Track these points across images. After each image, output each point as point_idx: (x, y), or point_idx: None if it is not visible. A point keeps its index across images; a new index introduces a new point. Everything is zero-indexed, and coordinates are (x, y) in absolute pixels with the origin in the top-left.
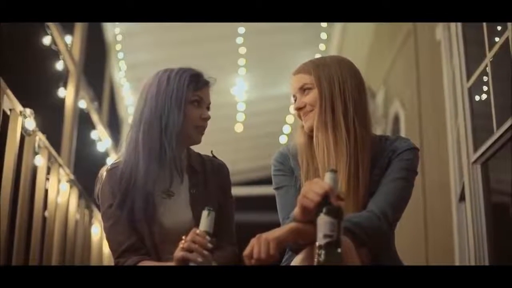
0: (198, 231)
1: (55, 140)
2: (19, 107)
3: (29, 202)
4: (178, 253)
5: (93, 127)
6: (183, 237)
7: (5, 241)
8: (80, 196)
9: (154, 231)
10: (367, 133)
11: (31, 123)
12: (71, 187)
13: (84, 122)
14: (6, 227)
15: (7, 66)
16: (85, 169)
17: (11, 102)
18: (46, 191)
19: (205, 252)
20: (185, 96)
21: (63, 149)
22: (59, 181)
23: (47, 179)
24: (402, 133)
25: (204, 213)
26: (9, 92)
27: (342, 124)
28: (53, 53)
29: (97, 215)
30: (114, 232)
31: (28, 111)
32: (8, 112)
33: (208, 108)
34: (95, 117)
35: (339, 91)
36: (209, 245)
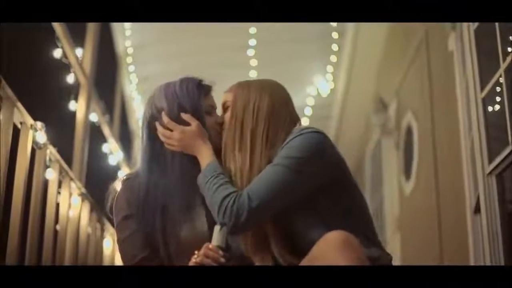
0: (210, 246)
1: (66, 154)
2: (30, 120)
3: (40, 216)
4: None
5: (104, 140)
6: (196, 252)
7: (16, 255)
8: (91, 210)
9: (169, 243)
10: (274, 152)
11: (42, 136)
12: (82, 200)
13: (95, 135)
14: (17, 241)
15: (18, 79)
16: (96, 182)
17: (22, 115)
18: (58, 204)
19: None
20: (201, 108)
21: (75, 163)
22: (70, 194)
23: (59, 192)
24: (416, 145)
25: (217, 227)
26: (19, 105)
27: (248, 145)
28: (64, 66)
29: (109, 229)
30: (128, 244)
31: (39, 124)
32: (19, 125)
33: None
34: (106, 130)
35: (252, 112)
36: (222, 260)
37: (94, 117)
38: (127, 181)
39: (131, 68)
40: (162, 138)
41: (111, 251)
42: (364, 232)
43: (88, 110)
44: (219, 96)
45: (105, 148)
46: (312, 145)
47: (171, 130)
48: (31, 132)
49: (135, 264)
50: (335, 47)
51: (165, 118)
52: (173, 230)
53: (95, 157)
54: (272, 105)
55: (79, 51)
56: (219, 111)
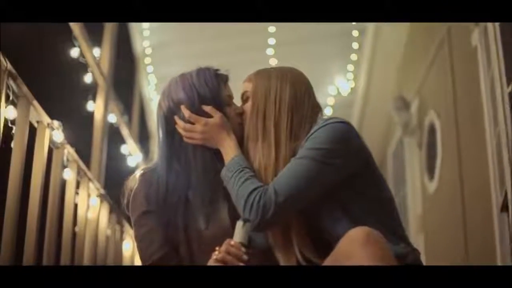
0: (232, 242)
1: (84, 155)
2: (46, 119)
3: (58, 217)
4: (211, 264)
5: (123, 141)
6: (217, 248)
7: (33, 258)
8: (111, 211)
9: (191, 239)
10: (299, 144)
11: (59, 136)
12: (101, 201)
13: (114, 136)
14: (35, 243)
15: (34, 78)
16: (115, 184)
17: (38, 114)
18: (76, 206)
19: (240, 264)
20: (221, 99)
21: (93, 163)
22: (89, 195)
23: (77, 193)
24: (439, 144)
25: (239, 223)
26: (36, 103)
27: (272, 137)
28: (81, 66)
29: (129, 230)
30: (146, 241)
31: (56, 123)
32: (35, 124)
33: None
34: (125, 131)
35: (274, 102)
36: (245, 257)
37: (112, 118)
38: (144, 175)
39: (150, 68)
40: (182, 132)
41: (131, 253)
42: (391, 227)
43: (106, 111)
44: (233, 86)
45: (123, 149)
46: (338, 136)
47: (192, 123)
48: (47, 131)
49: (153, 262)
50: (355, 45)
51: (186, 111)
52: (195, 226)
53: (114, 158)
54: (294, 95)
55: (96, 51)
56: (236, 101)
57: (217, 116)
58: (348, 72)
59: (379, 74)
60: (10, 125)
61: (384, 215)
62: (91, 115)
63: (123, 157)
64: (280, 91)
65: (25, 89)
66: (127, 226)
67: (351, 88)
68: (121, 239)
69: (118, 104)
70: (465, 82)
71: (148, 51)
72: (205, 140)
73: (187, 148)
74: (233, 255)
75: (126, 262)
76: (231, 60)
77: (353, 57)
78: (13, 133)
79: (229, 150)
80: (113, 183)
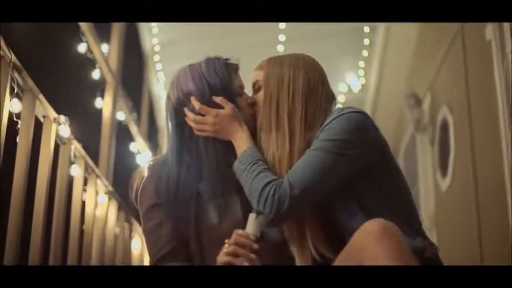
0: (240, 231)
1: (92, 152)
2: (53, 114)
3: (65, 214)
4: (222, 258)
5: (132, 139)
6: (226, 241)
7: (39, 257)
8: (119, 209)
9: (202, 233)
10: (314, 135)
11: (65, 131)
12: (109, 199)
13: (122, 134)
14: (41, 241)
15: (40, 72)
16: (124, 182)
17: (44, 108)
18: (83, 203)
19: (252, 256)
20: (232, 89)
21: (101, 161)
22: (97, 192)
23: (84, 190)
24: (452, 140)
25: (252, 215)
26: (42, 97)
27: (286, 127)
28: (89, 62)
29: (138, 229)
30: (154, 235)
31: (62, 117)
32: (42, 119)
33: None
34: (134, 129)
35: (287, 91)
36: (255, 247)
37: (121, 115)
38: (154, 167)
39: (159, 66)
40: (192, 124)
41: (140, 252)
42: (408, 221)
43: (114, 108)
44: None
45: (132, 147)
46: (353, 126)
47: (203, 115)
48: (54, 126)
49: (161, 257)
50: (366, 42)
51: (196, 103)
52: (206, 220)
53: (122, 156)
54: (308, 82)
55: (104, 47)
56: (247, 90)
57: (228, 107)
58: (359, 69)
59: (391, 70)
60: (15, 119)
61: (400, 208)
62: (99, 112)
63: (131, 155)
64: (294, 79)
65: (30, 82)
66: (136, 224)
67: (362, 85)
68: (130, 238)
69: (127, 102)
70: (478, 77)
71: (157, 48)
72: (217, 132)
73: (198, 140)
74: (242, 245)
75: (135, 261)
76: (241, 57)
77: (364, 53)
78: (18, 128)
79: (241, 142)
80: (121, 181)
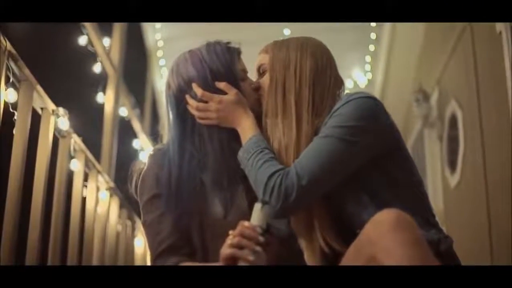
0: (246, 223)
1: (94, 148)
2: (51, 106)
3: (64, 210)
4: (226, 250)
5: (135, 136)
6: (231, 232)
7: (37, 255)
8: (121, 206)
9: (205, 226)
10: (322, 121)
11: (64, 123)
12: (111, 195)
13: (125, 130)
14: (38, 238)
15: (38, 64)
16: (126, 179)
17: (43, 100)
18: (84, 199)
19: (257, 248)
20: (236, 74)
21: (103, 157)
22: (98, 188)
23: (85, 186)
24: (461, 135)
25: (257, 206)
26: (39, 88)
27: (293, 111)
28: (89, 55)
29: (140, 227)
30: (154, 228)
31: (61, 110)
32: (40, 111)
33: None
34: (137, 126)
35: (294, 74)
36: (261, 239)
37: (123, 111)
38: (154, 157)
39: (162, 62)
40: (194, 112)
41: (143, 251)
42: (422, 212)
43: (116, 103)
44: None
45: (135, 144)
46: (364, 112)
47: (205, 102)
48: (52, 118)
49: (162, 251)
50: (373, 36)
51: (198, 89)
52: (210, 213)
53: (125, 153)
54: (315, 66)
55: (106, 41)
56: (251, 75)
57: (232, 92)
58: (366, 64)
59: (398, 65)
60: (11, 110)
61: (414, 200)
62: (101, 107)
63: (134, 152)
64: (300, 62)
65: (27, 72)
66: (138, 222)
67: (369, 80)
68: (133, 236)
69: (130, 98)
70: (488, 70)
71: (160, 43)
72: (220, 119)
73: (202, 129)
74: (248, 237)
75: (137, 260)
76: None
77: (371, 47)
78: (15, 119)
79: (246, 129)
80: (123, 178)
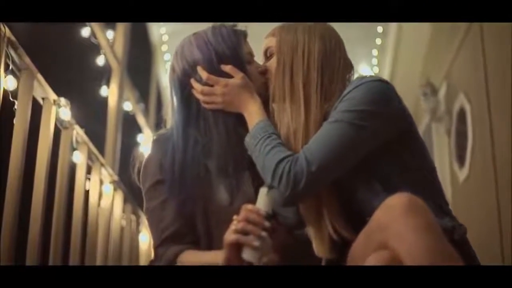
0: (250, 207)
1: (97, 142)
2: (52, 96)
3: (66, 203)
4: (230, 236)
5: (139, 130)
6: (235, 217)
7: (39, 249)
8: (125, 200)
9: (210, 213)
10: (331, 106)
11: (66, 113)
12: (115, 189)
13: (129, 124)
14: (39, 231)
15: (40, 53)
16: (131, 174)
17: (44, 90)
18: (87, 193)
19: (263, 233)
20: (242, 57)
21: (107, 151)
22: (101, 182)
23: (88, 179)
24: (469, 129)
25: (263, 190)
26: (40, 77)
27: (301, 95)
28: (93, 47)
29: (146, 222)
30: (157, 214)
31: (63, 100)
32: (41, 101)
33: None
34: (141, 120)
35: (302, 56)
36: (267, 224)
37: (128, 106)
38: (158, 142)
39: (167, 56)
40: (199, 96)
41: (148, 247)
42: (434, 199)
43: (120, 96)
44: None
45: (140, 138)
46: (375, 96)
47: (211, 85)
48: (54, 108)
49: (165, 238)
50: (380, 29)
51: (203, 73)
52: (215, 200)
53: (130, 147)
54: (324, 49)
55: (110, 34)
56: (257, 59)
57: (238, 76)
58: (373, 57)
59: (405, 59)
60: (11, 99)
61: (426, 186)
62: (104, 100)
63: (139, 147)
64: (308, 45)
65: (27, 60)
66: (143, 217)
67: (375, 74)
68: (138, 231)
69: (134, 92)
70: (497, 62)
71: (165, 38)
72: (226, 103)
73: (207, 114)
74: (253, 222)
75: (142, 256)
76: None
77: (378, 41)
78: (15, 109)
79: (253, 114)
80: (128, 173)
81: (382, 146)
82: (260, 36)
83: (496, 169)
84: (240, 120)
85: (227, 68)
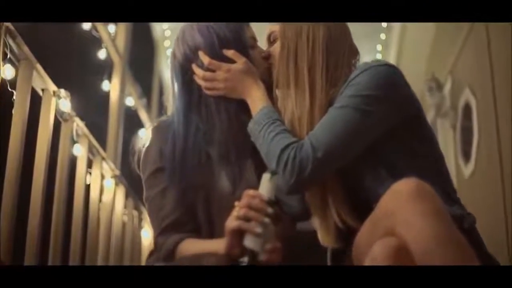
0: (252, 192)
1: (99, 137)
2: (52, 87)
3: (66, 197)
4: (232, 223)
5: (141, 125)
6: (236, 203)
7: (38, 244)
8: (127, 195)
9: (211, 201)
10: (337, 91)
11: (66, 105)
12: (116, 184)
13: (131, 120)
14: (38, 225)
15: (39, 45)
16: (133, 169)
17: (43, 81)
18: (88, 187)
19: (266, 220)
20: (245, 41)
21: (109, 145)
22: (102, 176)
23: (89, 173)
24: (475, 124)
25: (266, 176)
26: (39, 67)
27: (306, 80)
28: (94, 40)
29: (148, 217)
30: (157, 203)
31: (63, 91)
32: (40, 93)
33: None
34: (143, 115)
35: (306, 41)
36: (270, 210)
37: (130, 101)
38: (158, 129)
39: (169, 51)
40: (201, 82)
41: (151, 243)
42: (442, 186)
43: (122, 91)
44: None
45: (141, 133)
46: (382, 81)
47: (213, 71)
48: (54, 99)
49: (165, 227)
50: (384, 24)
51: (205, 57)
52: (217, 188)
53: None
54: (329, 34)
55: (112, 28)
56: (260, 44)
57: (241, 61)
58: (377, 53)
59: (410, 54)
60: (10, 89)
61: (435, 174)
62: (106, 94)
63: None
64: (313, 29)
65: (26, 49)
66: (145, 213)
67: None
68: (140, 227)
69: (136, 87)
70: (503, 57)
71: (168, 33)
72: (228, 89)
73: (209, 100)
74: (255, 208)
75: (145, 253)
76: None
77: (382, 36)
78: (13, 100)
79: (257, 100)
80: (130, 168)
81: (389, 131)
82: (260, 36)
83: (502, 164)
84: (242, 107)
85: (229, 53)
